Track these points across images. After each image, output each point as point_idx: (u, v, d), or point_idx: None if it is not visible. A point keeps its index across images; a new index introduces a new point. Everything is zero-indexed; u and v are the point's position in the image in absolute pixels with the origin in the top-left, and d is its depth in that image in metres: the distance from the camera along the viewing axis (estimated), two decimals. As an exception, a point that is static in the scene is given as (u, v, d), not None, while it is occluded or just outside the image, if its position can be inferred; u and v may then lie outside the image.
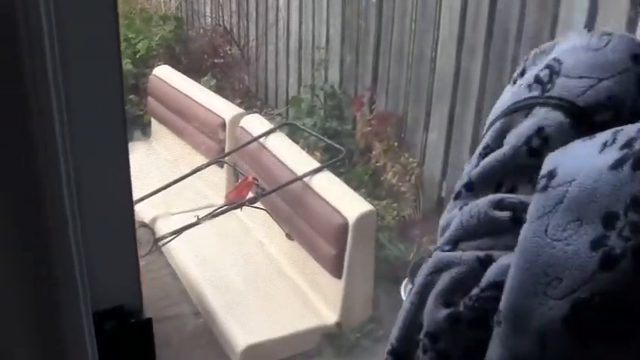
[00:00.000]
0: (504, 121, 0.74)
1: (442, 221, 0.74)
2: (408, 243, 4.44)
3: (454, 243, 0.68)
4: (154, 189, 4.38)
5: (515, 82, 0.78)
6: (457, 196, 0.75)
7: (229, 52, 6.92)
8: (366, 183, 4.96)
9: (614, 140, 0.58)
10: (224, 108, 5.19)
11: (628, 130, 0.59)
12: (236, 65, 6.79)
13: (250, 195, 4.19)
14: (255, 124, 4.86)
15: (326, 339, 3.93)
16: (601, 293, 0.53)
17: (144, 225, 3.85)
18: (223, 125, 5.03)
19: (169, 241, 4.06)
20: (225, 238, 4.55)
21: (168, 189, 4.43)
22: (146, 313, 0.91)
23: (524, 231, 0.59)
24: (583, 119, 0.69)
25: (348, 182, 4.46)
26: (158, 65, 6.27)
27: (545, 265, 0.56)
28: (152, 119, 5.98)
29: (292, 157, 4.44)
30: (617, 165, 0.56)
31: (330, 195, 3.99)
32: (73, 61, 0.74)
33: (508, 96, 0.77)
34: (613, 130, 0.60)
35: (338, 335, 3.94)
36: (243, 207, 4.15)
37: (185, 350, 4.01)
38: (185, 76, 5.77)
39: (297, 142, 4.98)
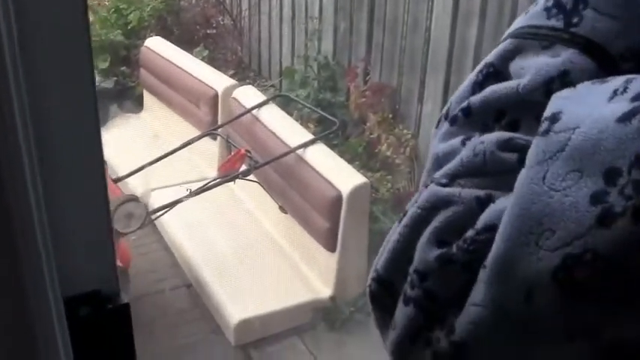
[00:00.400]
0: (514, 43, 0.68)
1: (437, 149, 0.68)
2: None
3: (452, 178, 0.63)
4: (146, 162, 4.33)
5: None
6: (453, 121, 0.68)
7: (222, 23, 6.86)
8: (360, 155, 4.93)
9: (625, 89, 0.54)
10: (216, 79, 5.14)
11: None
12: (229, 36, 6.72)
13: (243, 167, 4.15)
14: (248, 95, 4.81)
15: (320, 313, 3.91)
16: (595, 250, 0.50)
17: (135, 199, 3.80)
18: (216, 97, 4.98)
19: (161, 214, 4.02)
20: (218, 211, 4.52)
21: (161, 162, 4.38)
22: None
23: (521, 176, 0.55)
24: (612, 68, 0.62)
25: (341, 154, 4.42)
26: (150, 36, 6.22)
27: (540, 214, 0.53)
28: (144, 91, 5.93)
29: (285, 129, 4.39)
30: (625, 118, 0.52)
31: (324, 167, 3.95)
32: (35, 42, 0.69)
33: (519, 18, 0.70)
34: (625, 77, 0.56)
35: (332, 309, 3.92)
36: (236, 180, 4.11)
37: (178, 325, 3.99)
38: (177, 47, 5.71)
39: (290, 114, 4.94)
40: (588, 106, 0.55)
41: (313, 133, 4.49)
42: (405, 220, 0.64)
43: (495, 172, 0.61)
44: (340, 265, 3.88)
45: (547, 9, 0.66)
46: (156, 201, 4.30)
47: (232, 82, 5.16)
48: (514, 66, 0.67)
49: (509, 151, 0.61)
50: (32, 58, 0.69)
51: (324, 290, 3.96)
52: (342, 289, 3.93)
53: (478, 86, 0.69)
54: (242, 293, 3.91)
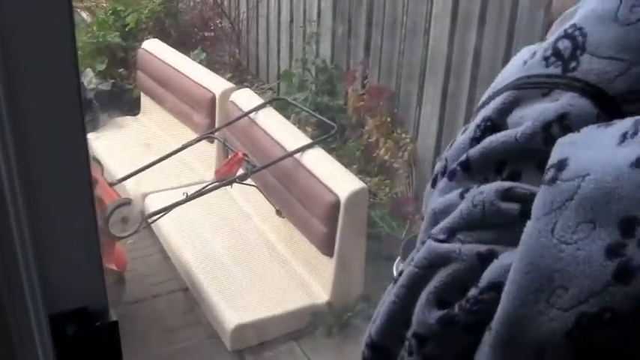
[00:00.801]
0: (513, 94, 0.65)
1: (434, 204, 0.65)
2: (400, 220, 4.39)
3: (451, 232, 0.60)
4: (143, 165, 4.31)
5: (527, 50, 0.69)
6: (452, 176, 0.66)
7: (220, 26, 6.84)
8: (358, 159, 4.90)
9: (635, 132, 0.52)
10: (214, 82, 5.12)
11: None
12: (226, 39, 6.70)
13: (240, 171, 4.12)
14: (246, 98, 4.79)
15: (317, 318, 3.89)
16: (613, 309, 0.47)
17: (131, 202, 3.78)
18: (213, 100, 4.96)
19: (158, 218, 4.00)
20: (215, 215, 4.50)
21: (158, 165, 4.36)
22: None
23: (528, 229, 0.52)
24: (612, 110, 0.60)
25: (339, 158, 4.40)
26: (147, 39, 6.20)
27: (550, 270, 0.50)
28: (141, 93, 5.91)
29: (283, 132, 4.37)
30: None
31: (322, 172, 3.92)
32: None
33: (519, 65, 0.67)
34: (634, 119, 0.53)
35: (329, 314, 3.89)
36: (233, 183, 4.08)
37: (174, 329, 3.96)
38: (175, 50, 5.69)
39: (288, 117, 4.92)
40: (596, 151, 0.52)
41: (311, 137, 4.47)
42: (402, 281, 0.61)
43: (496, 225, 0.58)
44: (337, 270, 3.86)
45: (546, 58, 0.65)
46: (152, 204, 4.28)
47: (230, 85, 5.14)
48: (513, 117, 0.64)
49: (511, 201, 0.58)
50: (16, 79, 0.66)
51: (321, 295, 3.93)
52: (340, 294, 3.90)
53: (476, 142, 0.66)
54: (239, 298, 3.89)
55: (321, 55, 5.60)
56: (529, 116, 0.62)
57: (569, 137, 0.55)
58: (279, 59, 6.23)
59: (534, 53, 0.66)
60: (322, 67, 5.49)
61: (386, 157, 4.75)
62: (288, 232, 4.19)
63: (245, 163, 4.14)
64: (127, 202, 3.74)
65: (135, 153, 4.90)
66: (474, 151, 0.64)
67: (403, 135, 4.79)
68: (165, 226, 4.33)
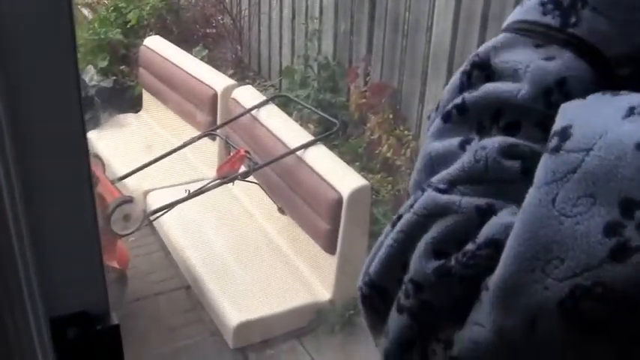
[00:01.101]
0: (507, 37, 0.64)
1: (430, 147, 0.65)
2: (403, 217, 4.37)
3: (451, 184, 0.59)
4: (145, 162, 4.30)
5: None
6: (446, 118, 0.65)
7: (221, 22, 6.83)
8: (361, 156, 4.90)
9: None
10: (216, 79, 5.11)
11: None
12: (228, 35, 6.69)
13: (242, 169, 4.11)
14: (248, 95, 4.78)
15: (319, 316, 3.88)
16: (605, 284, 0.47)
17: (133, 200, 3.78)
18: (215, 97, 4.95)
19: (160, 216, 3.99)
20: (217, 213, 4.49)
21: (160, 162, 4.35)
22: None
23: (530, 197, 0.52)
24: (606, 73, 0.60)
25: (341, 155, 4.39)
26: (149, 35, 6.18)
27: (549, 240, 0.50)
28: (143, 90, 5.89)
29: (285, 129, 4.36)
30: None
31: (324, 169, 3.91)
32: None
33: (516, 9, 0.66)
34: None
35: (331, 312, 3.88)
36: (235, 181, 4.08)
37: (177, 327, 3.96)
38: (176, 47, 5.68)
39: (290, 114, 4.91)
40: (603, 122, 0.52)
41: (313, 134, 4.46)
42: (400, 226, 0.61)
43: (497, 180, 0.58)
44: (340, 267, 3.85)
45: (542, 4, 0.63)
46: (154, 202, 4.27)
47: (232, 82, 5.13)
48: (501, 58, 0.63)
49: (513, 158, 0.58)
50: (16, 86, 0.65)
51: (323, 293, 3.93)
52: (342, 292, 3.89)
53: (466, 76, 0.65)
54: (241, 295, 3.88)
55: (324, 51, 5.59)
56: (519, 66, 0.61)
57: (575, 103, 0.55)
58: (281, 56, 6.22)
59: None
60: (324, 64, 5.48)
61: (388, 154, 4.74)
62: (291, 229, 4.18)
63: (247, 160, 4.13)
64: (129, 200, 3.73)
65: (137, 150, 4.89)
66: (471, 96, 0.63)
67: (406, 132, 4.78)
68: (167, 223, 4.33)
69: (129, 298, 3.93)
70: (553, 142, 0.53)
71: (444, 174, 0.60)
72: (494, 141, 0.59)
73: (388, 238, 0.62)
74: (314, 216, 3.91)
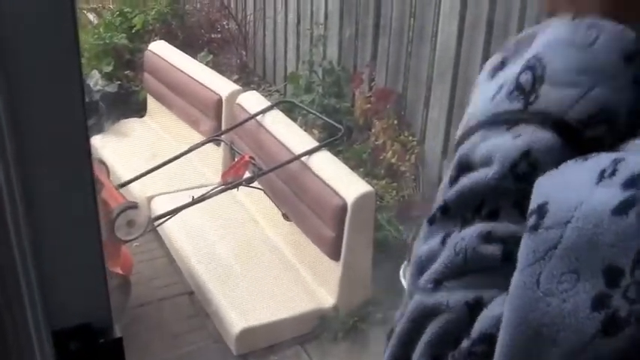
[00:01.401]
0: (482, 134, 0.66)
1: (419, 251, 0.66)
2: (407, 224, 4.37)
3: (437, 282, 0.60)
4: (149, 167, 4.30)
5: (493, 76, 0.69)
6: (432, 221, 0.66)
7: (226, 27, 6.83)
8: (365, 162, 4.89)
9: (614, 171, 0.51)
10: (221, 85, 5.11)
11: (630, 163, 0.51)
12: (233, 40, 6.69)
13: (247, 174, 4.11)
14: (253, 101, 4.78)
15: (323, 322, 3.87)
16: None
17: (137, 206, 3.77)
18: (220, 102, 4.95)
19: (164, 221, 3.98)
20: (221, 218, 4.48)
21: (164, 167, 4.34)
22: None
23: (515, 280, 0.52)
24: (574, 136, 0.60)
25: (346, 161, 4.38)
26: (154, 40, 6.19)
27: (538, 323, 0.49)
28: (148, 95, 5.90)
29: (290, 135, 4.35)
30: (621, 210, 0.48)
31: (329, 175, 3.90)
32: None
33: (486, 100, 0.68)
34: (612, 156, 0.53)
35: (335, 318, 3.87)
36: (240, 187, 4.07)
37: (180, 333, 3.95)
38: (181, 52, 5.68)
39: (294, 120, 4.90)
40: (576, 192, 0.52)
41: (318, 140, 4.45)
42: (395, 337, 0.62)
43: (480, 270, 0.58)
44: (344, 274, 3.84)
45: (509, 93, 0.66)
46: (158, 208, 4.26)
47: (236, 87, 5.13)
48: (479, 150, 0.65)
49: (493, 243, 0.58)
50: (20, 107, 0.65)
51: (327, 299, 3.91)
52: (346, 298, 3.89)
53: (452, 179, 0.67)
54: (244, 302, 3.87)
55: (329, 57, 5.59)
56: (494, 152, 0.63)
57: (548, 177, 0.55)
58: (286, 61, 6.21)
59: (501, 87, 0.67)
60: (329, 69, 5.48)
61: (393, 160, 4.73)
62: (295, 235, 4.17)
63: (251, 166, 4.12)
64: (133, 206, 3.72)
65: (141, 155, 4.89)
66: (450, 194, 0.65)
67: (410, 138, 4.77)
68: (171, 229, 4.32)
69: (132, 304, 3.92)
70: (531, 220, 0.53)
71: (430, 273, 0.62)
72: (472, 230, 0.60)
73: (386, 351, 0.63)
74: (318, 222, 3.90)
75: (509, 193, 0.60)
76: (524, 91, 0.64)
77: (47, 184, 0.72)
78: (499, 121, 0.65)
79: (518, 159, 0.60)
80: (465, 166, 0.66)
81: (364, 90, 5.23)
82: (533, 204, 0.54)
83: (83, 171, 0.74)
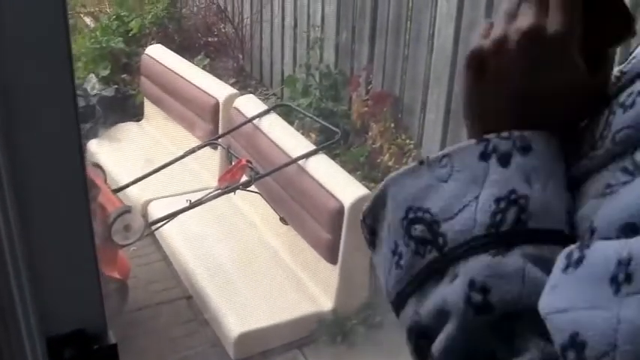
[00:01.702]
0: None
1: None
2: (404, 227, 4.35)
3: None
4: (147, 171, 4.29)
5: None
6: None
7: (223, 31, 6.83)
8: (362, 165, 4.88)
9: (628, 277, 0.48)
10: (218, 88, 5.11)
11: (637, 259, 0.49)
12: (230, 44, 6.69)
13: (244, 178, 4.10)
14: (249, 105, 4.77)
15: (321, 326, 3.86)
16: None
17: (133, 210, 3.76)
18: (217, 106, 4.94)
19: (161, 226, 3.97)
20: (218, 222, 4.47)
21: (161, 171, 4.34)
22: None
23: None
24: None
25: (343, 164, 4.38)
26: (151, 44, 6.18)
27: None
28: (144, 99, 5.89)
29: (287, 139, 4.35)
30: None
31: (326, 178, 3.90)
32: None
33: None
34: (615, 258, 0.50)
35: (333, 322, 3.86)
36: (237, 190, 4.06)
37: (178, 337, 3.94)
38: (178, 56, 5.68)
39: (292, 123, 4.90)
40: (602, 311, 0.48)
41: (315, 143, 4.45)
42: None
43: None
44: (342, 277, 3.83)
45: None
46: (155, 212, 4.26)
47: (233, 91, 5.12)
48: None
49: None
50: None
51: (325, 303, 3.91)
52: (344, 301, 3.88)
53: None
54: (242, 306, 3.86)
55: (325, 60, 5.59)
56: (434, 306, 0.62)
57: (550, 300, 0.53)
58: (282, 64, 6.21)
59: None
60: (326, 73, 5.47)
61: (390, 163, 4.73)
62: (292, 239, 4.17)
63: (249, 170, 4.12)
64: (130, 210, 3.71)
65: (138, 160, 4.88)
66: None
67: (407, 141, 4.77)
68: (168, 233, 4.31)
69: (130, 308, 3.91)
70: (571, 356, 0.49)
71: None
72: None
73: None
74: (315, 226, 3.90)
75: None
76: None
77: (39, 189, 0.71)
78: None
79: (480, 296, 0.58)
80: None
81: (361, 93, 5.23)
82: (562, 337, 0.50)
83: (75, 175, 0.74)
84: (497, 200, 0.61)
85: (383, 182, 0.68)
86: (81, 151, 0.71)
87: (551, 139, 0.66)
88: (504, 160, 0.63)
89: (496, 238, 0.60)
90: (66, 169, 0.73)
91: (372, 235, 0.71)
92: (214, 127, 4.96)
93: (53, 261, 0.75)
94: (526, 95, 0.68)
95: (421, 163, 0.67)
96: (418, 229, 0.63)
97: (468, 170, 0.64)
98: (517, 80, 0.68)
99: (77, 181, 0.74)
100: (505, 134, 0.65)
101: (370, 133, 5.00)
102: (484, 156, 0.64)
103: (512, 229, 0.60)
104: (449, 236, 0.61)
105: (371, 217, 0.70)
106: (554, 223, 0.60)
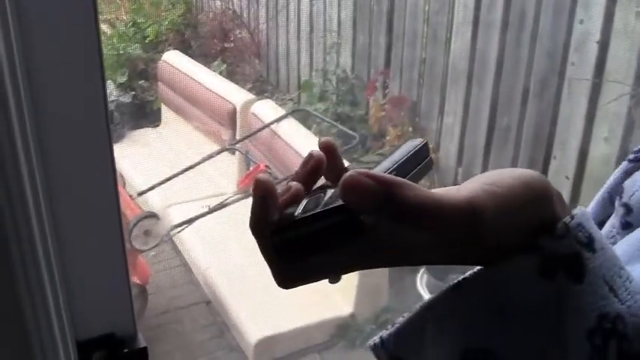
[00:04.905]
0: None
1: None
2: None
3: None
4: (165, 177, 4.31)
5: None
6: None
7: (239, 36, 6.84)
8: (380, 169, 4.87)
9: None
10: (235, 94, 5.12)
11: None
12: (246, 49, 6.70)
13: (262, 183, 4.10)
14: (267, 110, 4.78)
15: (340, 330, 3.86)
16: None
17: (153, 215, 3.78)
18: (234, 111, 4.95)
19: (180, 231, 3.99)
20: (237, 227, 4.47)
21: (179, 177, 4.35)
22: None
23: None
24: None
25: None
26: (168, 50, 6.20)
27: None
28: (162, 105, 5.91)
29: (304, 143, 4.35)
30: None
31: (344, 183, 3.89)
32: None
33: None
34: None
35: (352, 326, 3.86)
36: (255, 195, 4.07)
37: (197, 342, 3.95)
38: (195, 61, 5.70)
39: (309, 128, 4.90)
40: None
41: (332, 148, 4.43)
42: None
43: None
44: (361, 281, 3.83)
45: None
46: (174, 217, 4.26)
47: (251, 96, 5.14)
48: None
49: None
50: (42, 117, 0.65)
51: (344, 307, 3.90)
52: (363, 306, 3.87)
53: None
54: (261, 311, 3.86)
55: (342, 65, 5.59)
56: None
57: None
58: (299, 69, 6.22)
59: None
60: (343, 77, 5.48)
61: (408, 167, 4.72)
62: (311, 243, 4.16)
63: (267, 174, 4.12)
64: (149, 215, 3.73)
65: (156, 165, 4.89)
66: None
67: (425, 145, 4.76)
68: (187, 238, 4.32)
69: (150, 313, 3.92)
70: None
71: None
72: None
73: None
74: (334, 230, 3.89)
75: None
76: None
77: (71, 197, 0.72)
78: None
79: None
80: None
81: (378, 97, 5.23)
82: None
83: (107, 182, 0.74)
84: (589, 334, 0.49)
85: (419, 309, 0.56)
86: (112, 158, 0.72)
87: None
88: (577, 272, 0.49)
89: None
90: (97, 177, 0.74)
91: None
92: (232, 132, 4.97)
93: (84, 267, 0.76)
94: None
95: (458, 286, 0.54)
96: None
97: (523, 295, 0.50)
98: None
99: (108, 188, 0.75)
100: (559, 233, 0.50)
101: (388, 138, 5.00)
102: (545, 272, 0.49)
103: None
104: None
105: (397, 345, 0.60)
106: None
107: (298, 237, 0.53)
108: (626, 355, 0.48)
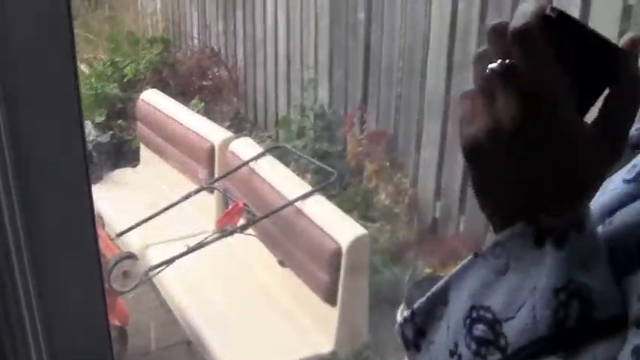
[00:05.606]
0: None
1: None
2: (402, 265, 4.36)
3: None
4: (144, 217, 4.29)
5: None
6: None
7: (217, 74, 6.87)
8: (359, 205, 4.89)
9: None
10: (213, 132, 5.12)
11: None
12: (224, 87, 6.73)
13: (241, 221, 4.10)
14: (245, 147, 4.78)
15: (322, 368, 3.84)
16: None
17: (132, 256, 3.76)
18: (212, 149, 4.96)
19: (159, 272, 3.96)
20: (216, 267, 4.46)
21: (158, 217, 4.34)
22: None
23: None
24: None
25: (340, 205, 4.38)
26: (146, 89, 6.21)
27: None
28: (141, 144, 5.90)
29: (283, 181, 4.36)
30: None
31: (323, 219, 3.90)
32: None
33: None
34: None
35: (334, 364, 3.85)
36: (235, 234, 4.06)
37: (178, 382, 3.92)
38: (173, 100, 5.70)
39: (287, 165, 4.91)
40: None
41: (311, 184, 4.45)
42: None
43: None
44: (341, 318, 3.81)
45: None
46: (153, 257, 4.24)
47: (229, 134, 5.14)
48: None
49: None
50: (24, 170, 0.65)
51: (325, 345, 3.88)
52: (344, 343, 3.86)
53: None
54: (242, 350, 3.84)
55: (319, 100, 5.62)
56: None
57: None
58: (277, 106, 6.25)
59: None
60: (320, 113, 5.50)
61: (387, 202, 4.74)
62: (291, 281, 4.15)
63: (246, 213, 4.12)
64: (129, 256, 3.71)
65: (135, 205, 4.88)
66: None
67: (403, 179, 4.79)
68: (166, 278, 4.29)
69: (130, 355, 3.89)
70: None
71: None
72: None
73: None
74: (314, 267, 3.89)
75: None
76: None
77: (51, 238, 0.73)
78: None
79: None
80: None
81: (356, 133, 5.25)
82: None
83: (86, 223, 0.75)
84: (556, 292, 0.57)
85: (445, 279, 0.65)
86: (91, 200, 0.73)
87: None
88: (560, 242, 0.59)
89: (563, 338, 0.56)
90: (76, 219, 0.74)
91: (418, 336, 0.68)
92: (210, 170, 4.96)
93: (63, 308, 0.76)
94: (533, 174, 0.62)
95: (476, 255, 0.64)
96: (479, 329, 0.60)
97: (523, 259, 0.60)
98: (523, 162, 0.62)
99: (87, 230, 0.75)
100: (555, 211, 0.60)
101: (366, 173, 5.02)
102: (539, 240, 0.60)
103: (578, 325, 0.56)
104: (510, 337, 0.58)
105: (424, 315, 0.67)
106: (617, 308, 0.57)
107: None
108: (588, 316, 0.57)
